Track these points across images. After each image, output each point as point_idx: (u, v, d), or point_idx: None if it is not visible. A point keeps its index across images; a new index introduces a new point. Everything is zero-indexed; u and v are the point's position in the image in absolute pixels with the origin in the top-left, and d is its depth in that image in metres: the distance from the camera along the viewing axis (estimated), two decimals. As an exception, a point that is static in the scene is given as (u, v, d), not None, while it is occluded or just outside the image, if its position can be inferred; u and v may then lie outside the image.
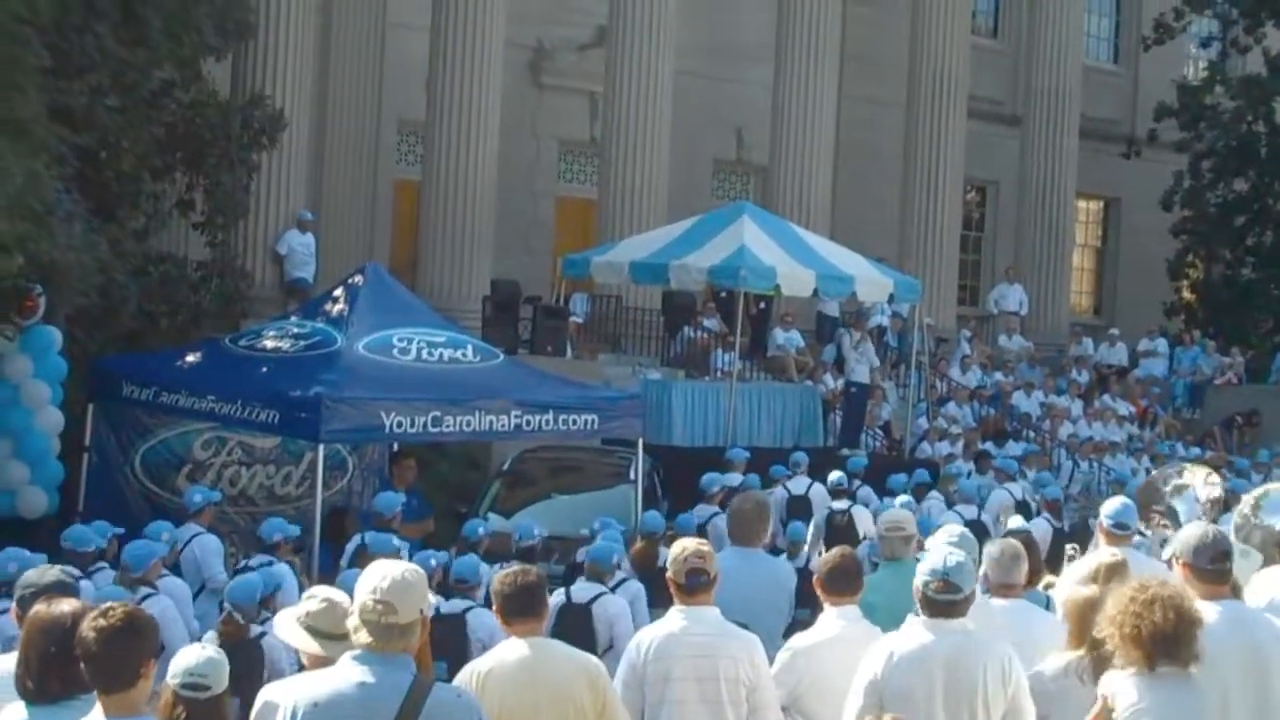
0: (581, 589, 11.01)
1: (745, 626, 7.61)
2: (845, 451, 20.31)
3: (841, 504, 16.42)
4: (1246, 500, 12.89)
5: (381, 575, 5.27)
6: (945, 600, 6.65)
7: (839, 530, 15.43)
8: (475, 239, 24.38)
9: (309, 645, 5.74)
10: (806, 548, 14.68)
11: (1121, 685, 6.00)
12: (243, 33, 20.89)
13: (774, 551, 13.21)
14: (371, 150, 26.77)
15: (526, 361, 17.77)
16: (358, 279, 14.82)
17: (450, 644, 9.41)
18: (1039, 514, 16.65)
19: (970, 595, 6.76)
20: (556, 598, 10.91)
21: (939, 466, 20.34)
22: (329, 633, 5.67)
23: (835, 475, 17.11)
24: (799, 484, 17.57)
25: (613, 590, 11.05)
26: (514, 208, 27.59)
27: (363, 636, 5.21)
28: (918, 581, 6.76)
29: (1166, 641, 5.92)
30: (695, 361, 23.73)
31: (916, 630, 6.72)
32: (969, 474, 19.06)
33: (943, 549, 7.09)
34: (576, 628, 10.34)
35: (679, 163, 27.43)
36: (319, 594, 5.96)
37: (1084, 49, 33.61)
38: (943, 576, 6.67)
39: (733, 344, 22.03)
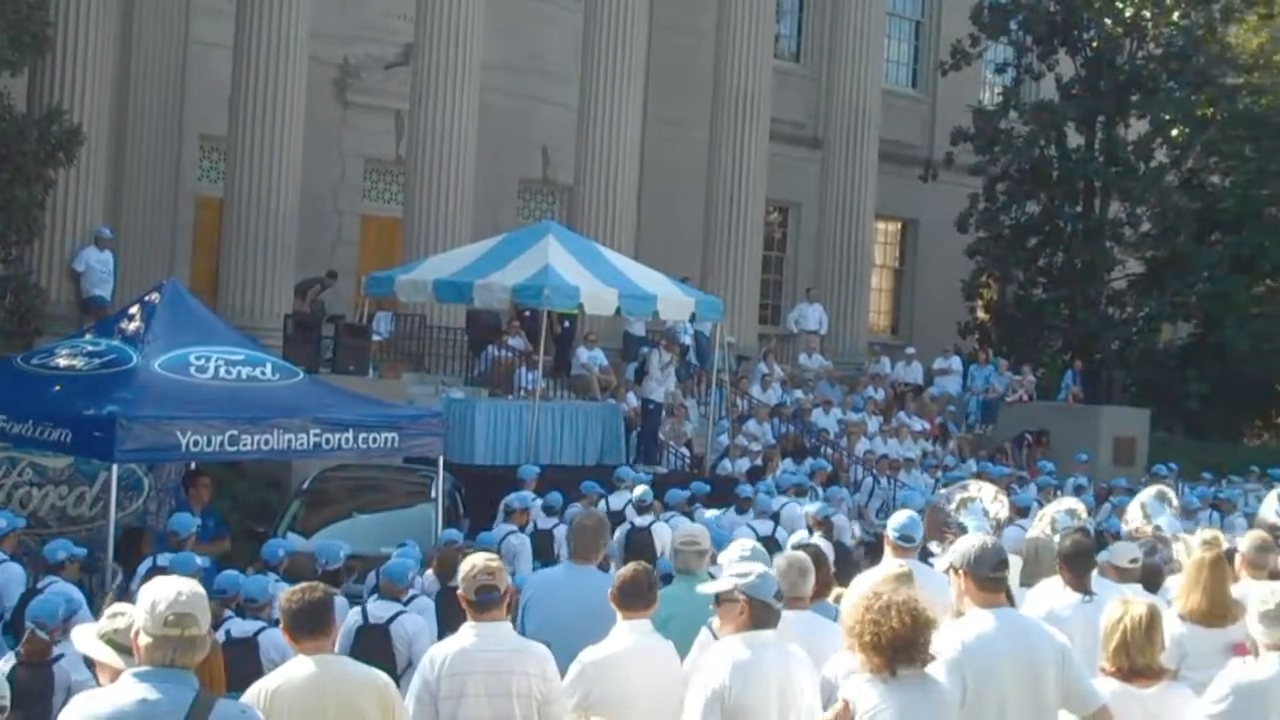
0: (379, 608, 10.98)
1: (547, 643, 7.70)
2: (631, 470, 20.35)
3: (644, 519, 16.61)
4: (1135, 507, 13.35)
5: (176, 590, 5.28)
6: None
7: (637, 545, 15.58)
8: (278, 257, 24.16)
9: (112, 659, 5.69)
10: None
11: (863, 690, 6.17)
12: (40, 46, 20.55)
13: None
14: (173, 166, 26.40)
15: (328, 380, 17.65)
16: (154, 296, 14.58)
17: (243, 667, 9.33)
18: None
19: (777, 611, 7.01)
20: (354, 617, 10.89)
21: (738, 483, 20.61)
22: (129, 647, 5.64)
23: (640, 490, 17.30)
24: (619, 499, 17.75)
25: (406, 605, 11.07)
26: (318, 226, 27.41)
27: (159, 654, 5.19)
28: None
29: (905, 645, 6.09)
30: (499, 380, 23.78)
31: (746, 643, 6.91)
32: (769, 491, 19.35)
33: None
34: (375, 647, 10.32)
35: (485, 182, 27.48)
36: (124, 610, 5.91)
37: (883, 73, 34.33)
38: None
39: (537, 363, 22.13)
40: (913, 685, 6.12)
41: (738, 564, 7.36)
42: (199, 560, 11.95)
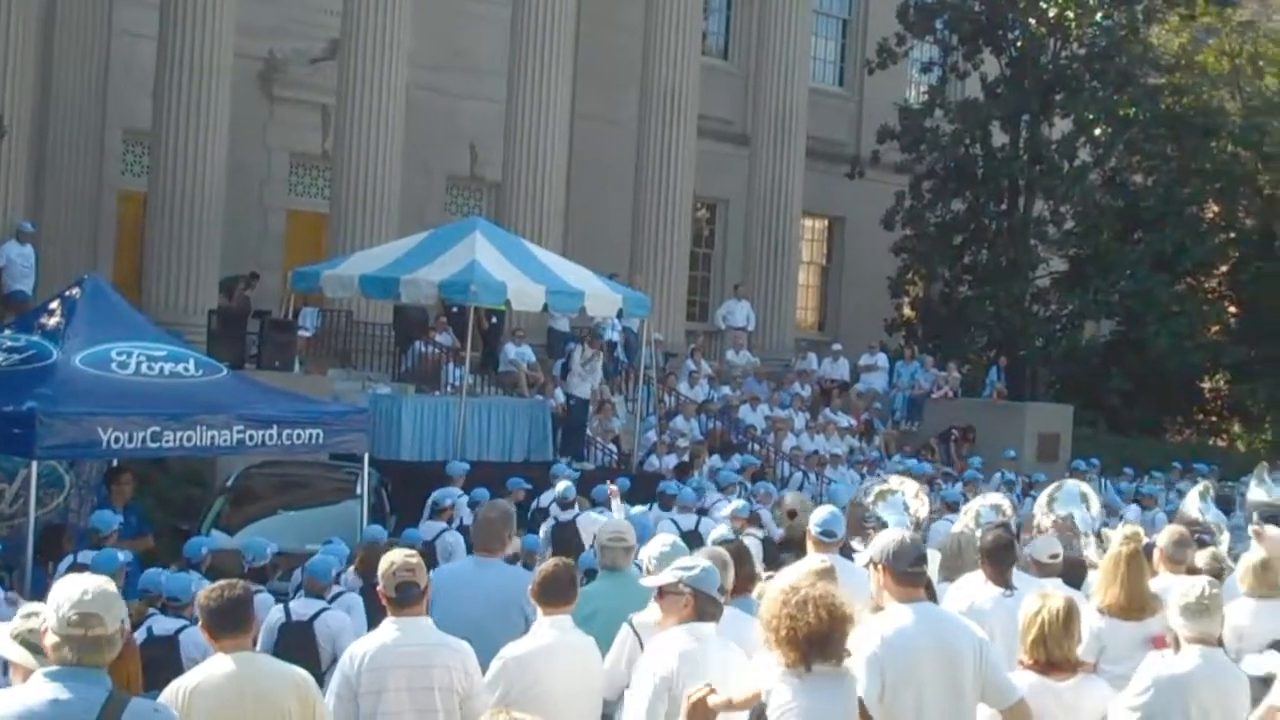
0: (302, 605, 10.94)
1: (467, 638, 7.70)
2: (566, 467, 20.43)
3: (567, 515, 16.65)
4: (1041, 498, 13.50)
5: (82, 589, 5.23)
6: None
7: (562, 540, 15.61)
8: (203, 252, 24.00)
9: (25, 659, 5.64)
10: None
11: (776, 685, 6.18)
12: (-43, 37, 20.30)
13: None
14: (96, 160, 26.13)
15: (254, 377, 17.55)
16: (75, 291, 14.45)
17: (164, 665, 9.27)
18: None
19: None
20: (277, 614, 10.84)
21: (664, 479, 20.66)
22: (40, 646, 5.59)
23: (563, 486, 17.33)
24: (550, 497, 17.73)
25: (330, 603, 11.03)
26: (244, 220, 27.20)
27: (65, 653, 5.15)
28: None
29: (821, 641, 6.09)
30: (426, 376, 23.71)
31: (691, 634, 6.99)
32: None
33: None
34: (299, 645, 10.28)
35: (412, 177, 27.41)
36: (36, 609, 5.86)
37: (810, 71, 34.46)
38: None
39: (464, 359, 22.09)
40: (827, 681, 6.13)
41: (683, 558, 7.39)
42: (122, 556, 11.85)
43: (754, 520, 16.62)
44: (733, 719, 6.54)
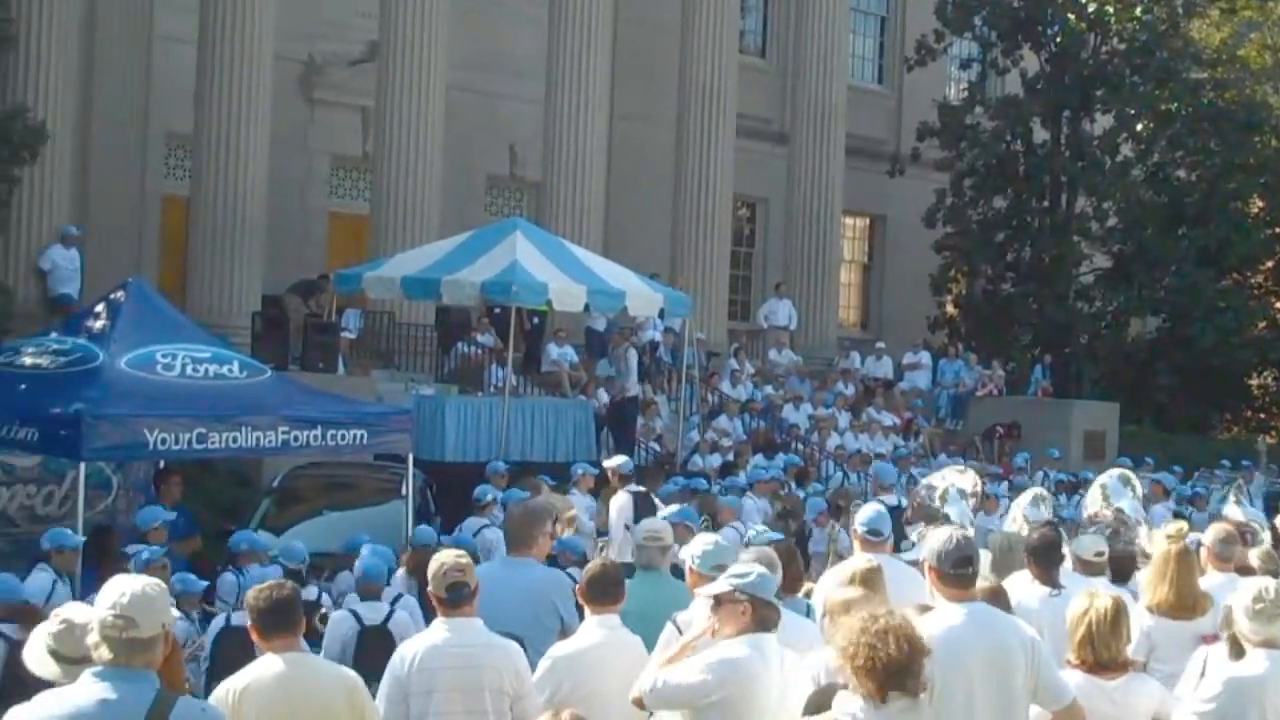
0: (371, 610, 10.93)
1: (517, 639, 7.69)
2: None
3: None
4: (1095, 492, 13.43)
5: (121, 590, 5.22)
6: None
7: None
8: (245, 255, 24.12)
9: (47, 670, 5.64)
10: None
11: (855, 716, 6.00)
12: (2, 44, 20.42)
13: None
14: (139, 164, 26.32)
15: (297, 378, 17.61)
16: (119, 295, 14.53)
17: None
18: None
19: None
20: (349, 624, 10.81)
21: (709, 478, 20.62)
22: (68, 656, 5.57)
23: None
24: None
25: (392, 605, 11.03)
26: (286, 223, 27.32)
27: (104, 653, 5.15)
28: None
29: (899, 672, 5.91)
30: (469, 377, 23.75)
31: (751, 646, 6.88)
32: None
33: None
34: (381, 649, 10.22)
35: (452, 178, 27.46)
36: (61, 614, 5.84)
37: (849, 69, 34.40)
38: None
39: (507, 359, 22.10)
40: (901, 714, 5.98)
41: (735, 564, 7.29)
42: (146, 554, 11.88)
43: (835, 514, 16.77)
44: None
